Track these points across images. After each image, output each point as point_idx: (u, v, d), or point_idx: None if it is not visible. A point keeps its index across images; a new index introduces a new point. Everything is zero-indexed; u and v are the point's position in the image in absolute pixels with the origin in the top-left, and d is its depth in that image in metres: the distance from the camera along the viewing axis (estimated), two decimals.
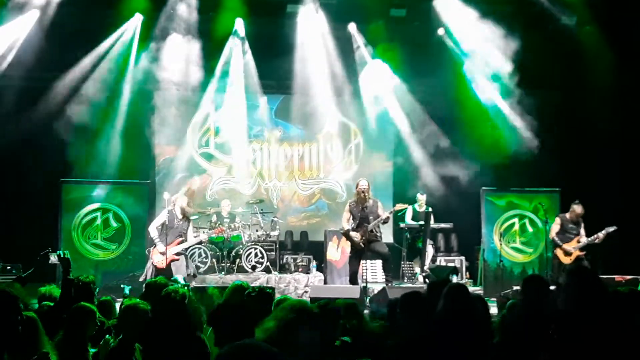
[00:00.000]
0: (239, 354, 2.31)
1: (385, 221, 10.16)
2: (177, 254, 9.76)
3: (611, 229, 10.42)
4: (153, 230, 9.81)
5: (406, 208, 12.09)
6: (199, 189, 13.79)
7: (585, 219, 10.68)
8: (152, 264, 9.76)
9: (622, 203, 12.01)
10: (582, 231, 10.65)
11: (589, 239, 10.50)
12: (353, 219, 10.18)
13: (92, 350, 4.55)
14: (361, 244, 10.09)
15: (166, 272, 9.49)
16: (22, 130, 11.73)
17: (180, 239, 9.85)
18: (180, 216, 9.88)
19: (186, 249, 10.16)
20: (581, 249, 10.52)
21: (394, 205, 10.81)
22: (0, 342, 3.82)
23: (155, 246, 9.76)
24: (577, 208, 10.62)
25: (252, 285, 10.37)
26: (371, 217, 10.06)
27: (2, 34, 11.73)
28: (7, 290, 4.10)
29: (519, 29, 12.85)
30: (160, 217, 9.93)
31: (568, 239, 10.63)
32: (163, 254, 9.63)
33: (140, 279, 9.89)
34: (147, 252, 10.34)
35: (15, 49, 11.82)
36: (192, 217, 10.50)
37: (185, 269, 9.76)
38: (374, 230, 10.13)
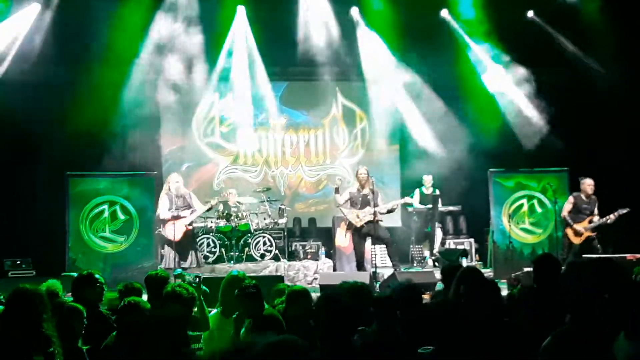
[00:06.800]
0: (276, 351, 2.29)
1: (390, 211, 10.26)
2: (189, 224, 10.34)
3: (623, 210, 10.34)
4: (165, 214, 10.33)
5: (412, 201, 12.05)
6: (207, 179, 13.82)
7: (599, 199, 10.59)
8: (167, 239, 10.24)
9: (632, 181, 11.91)
10: (596, 211, 10.55)
11: (601, 220, 10.42)
12: (353, 205, 10.29)
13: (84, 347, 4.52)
14: (360, 223, 10.20)
15: (184, 243, 10.15)
16: (27, 125, 11.73)
17: (189, 209, 10.40)
18: (175, 192, 10.38)
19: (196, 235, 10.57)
20: (592, 230, 10.45)
21: (401, 190, 10.87)
22: (31, 339, 3.82)
23: (163, 226, 10.32)
24: (587, 180, 10.53)
25: (261, 274, 10.58)
26: (372, 204, 10.20)
27: (5, 28, 11.68)
28: (26, 289, 4.06)
29: (525, 6, 12.79)
30: (163, 203, 10.38)
31: (580, 218, 10.56)
32: (176, 218, 10.17)
33: (162, 266, 10.18)
34: (157, 232, 10.67)
35: (18, 43, 11.78)
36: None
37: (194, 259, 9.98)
38: (377, 214, 10.23)
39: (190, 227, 10.41)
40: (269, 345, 2.33)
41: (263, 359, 2.30)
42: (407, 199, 11.18)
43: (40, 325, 3.87)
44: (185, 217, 10.32)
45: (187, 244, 10.36)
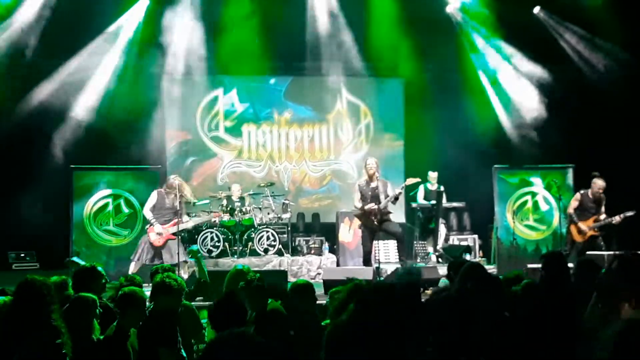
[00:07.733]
0: (230, 343, 2.21)
1: (397, 197, 10.00)
2: (175, 233, 9.91)
3: (630, 213, 10.15)
4: (147, 212, 10.08)
5: (418, 184, 11.84)
6: (211, 173, 13.83)
7: (607, 197, 10.43)
8: (149, 241, 9.94)
9: (636, 179, 11.86)
10: (603, 209, 10.36)
11: (606, 220, 10.28)
12: (364, 199, 10.03)
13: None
14: (375, 222, 9.94)
15: (163, 250, 9.87)
16: (32, 117, 11.76)
17: (177, 219, 9.90)
18: (171, 195, 9.97)
19: (182, 231, 10.38)
20: (596, 229, 10.35)
21: (405, 186, 10.66)
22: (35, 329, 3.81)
23: (151, 225, 9.98)
24: (598, 181, 10.27)
25: (265, 268, 10.52)
26: (382, 197, 9.92)
27: (10, 21, 11.70)
28: (34, 279, 4.04)
29: (531, 2, 12.75)
30: (151, 199, 10.15)
31: (585, 216, 10.41)
32: (159, 233, 9.86)
33: (132, 257, 10.02)
34: (144, 229, 10.43)
35: (23, 33, 11.77)
36: (193, 200, 10.59)
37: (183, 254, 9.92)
38: (385, 208, 10.01)
39: (174, 237, 9.94)
40: (218, 339, 2.25)
41: (213, 354, 2.23)
42: (411, 180, 10.56)
43: (48, 316, 3.85)
44: (169, 224, 9.96)
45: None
